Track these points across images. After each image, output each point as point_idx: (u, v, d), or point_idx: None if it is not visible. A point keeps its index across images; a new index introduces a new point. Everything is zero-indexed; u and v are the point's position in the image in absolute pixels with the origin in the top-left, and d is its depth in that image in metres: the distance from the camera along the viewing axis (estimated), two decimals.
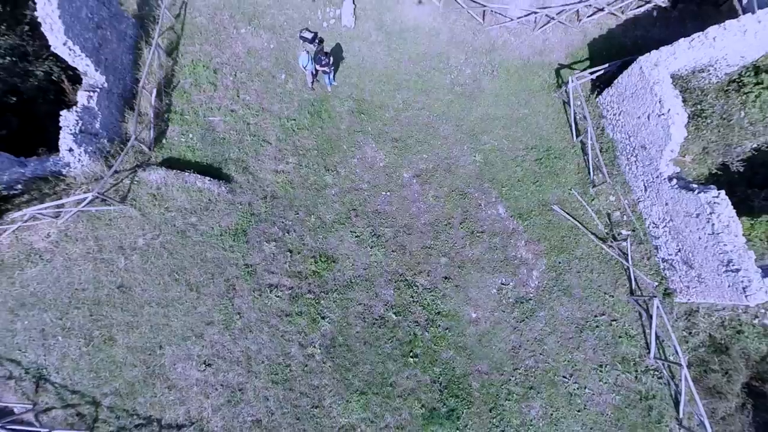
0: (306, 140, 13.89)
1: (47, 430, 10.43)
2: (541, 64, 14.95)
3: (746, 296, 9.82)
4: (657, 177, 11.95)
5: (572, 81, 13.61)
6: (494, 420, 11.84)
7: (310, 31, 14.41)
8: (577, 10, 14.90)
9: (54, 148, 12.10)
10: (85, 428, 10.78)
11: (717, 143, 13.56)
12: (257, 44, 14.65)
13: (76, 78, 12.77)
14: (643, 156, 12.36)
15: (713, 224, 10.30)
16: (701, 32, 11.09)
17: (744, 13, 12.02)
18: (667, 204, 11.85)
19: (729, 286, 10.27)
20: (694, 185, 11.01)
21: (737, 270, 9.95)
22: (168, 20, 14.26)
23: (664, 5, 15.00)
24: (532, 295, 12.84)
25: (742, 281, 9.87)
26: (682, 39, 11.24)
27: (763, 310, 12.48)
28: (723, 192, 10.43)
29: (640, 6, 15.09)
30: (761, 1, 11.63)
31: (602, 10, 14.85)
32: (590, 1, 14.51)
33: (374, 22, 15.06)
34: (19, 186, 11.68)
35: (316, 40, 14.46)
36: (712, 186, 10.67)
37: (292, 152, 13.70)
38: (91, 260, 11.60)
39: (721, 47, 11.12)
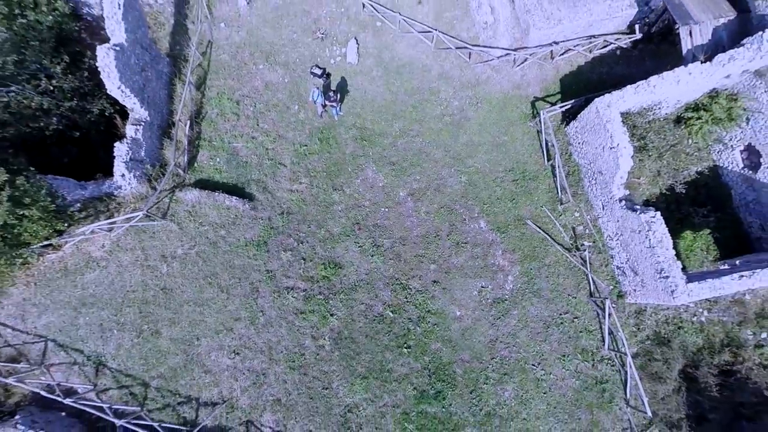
0: (316, 163, 16.23)
1: (107, 405, 12.79)
2: (519, 97, 17.29)
3: (673, 298, 12.19)
4: (611, 198, 14.31)
5: (543, 114, 15.96)
6: (474, 400, 14.23)
7: (319, 67, 16.75)
8: (551, 50, 17.23)
9: (105, 172, 14.48)
10: (137, 405, 13.15)
11: (667, 167, 15.93)
12: (274, 79, 16.96)
13: (122, 112, 15.09)
14: (601, 180, 14.71)
15: (650, 239, 12.66)
16: (644, 80, 13.40)
17: (685, 60, 14.30)
18: (618, 221, 14.22)
19: (662, 290, 12.64)
20: (637, 206, 13.37)
21: (667, 277, 12.32)
22: (197, 58, 16.53)
23: (625, 46, 17.33)
24: (507, 296, 15.20)
25: (671, 286, 12.24)
26: (630, 85, 13.55)
27: (700, 310, 14.87)
28: (659, 213, 12.77)
29: (606, 46, 17.40)
30: (696, 54, 13.94)
31: (572, 49, 17.18)
32: (561, 42, 16.84)
33: (375, 59, 17.37)
34: (78, 205, 14.00)
35: (325, 75, 16.83)
36: (650, 208, 13.00)
37: (304, 174, 16.03)
38: (139, 267, 13.93)
39: (660, 92, 13.46)
